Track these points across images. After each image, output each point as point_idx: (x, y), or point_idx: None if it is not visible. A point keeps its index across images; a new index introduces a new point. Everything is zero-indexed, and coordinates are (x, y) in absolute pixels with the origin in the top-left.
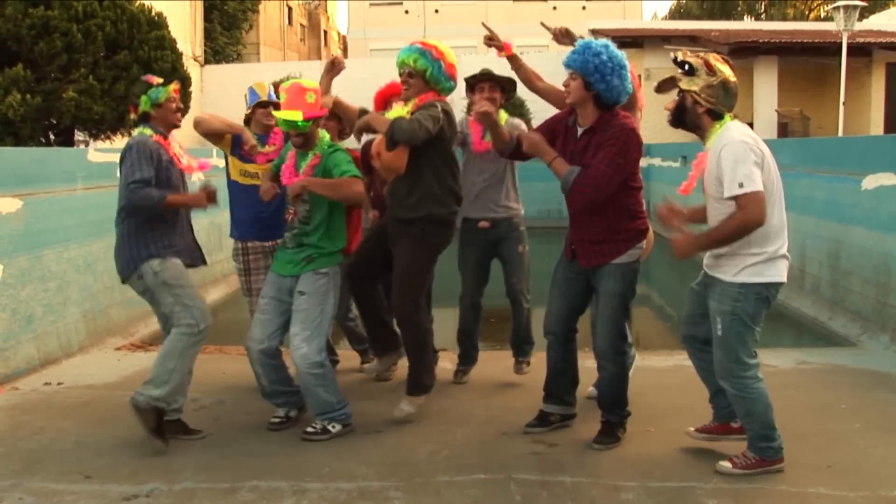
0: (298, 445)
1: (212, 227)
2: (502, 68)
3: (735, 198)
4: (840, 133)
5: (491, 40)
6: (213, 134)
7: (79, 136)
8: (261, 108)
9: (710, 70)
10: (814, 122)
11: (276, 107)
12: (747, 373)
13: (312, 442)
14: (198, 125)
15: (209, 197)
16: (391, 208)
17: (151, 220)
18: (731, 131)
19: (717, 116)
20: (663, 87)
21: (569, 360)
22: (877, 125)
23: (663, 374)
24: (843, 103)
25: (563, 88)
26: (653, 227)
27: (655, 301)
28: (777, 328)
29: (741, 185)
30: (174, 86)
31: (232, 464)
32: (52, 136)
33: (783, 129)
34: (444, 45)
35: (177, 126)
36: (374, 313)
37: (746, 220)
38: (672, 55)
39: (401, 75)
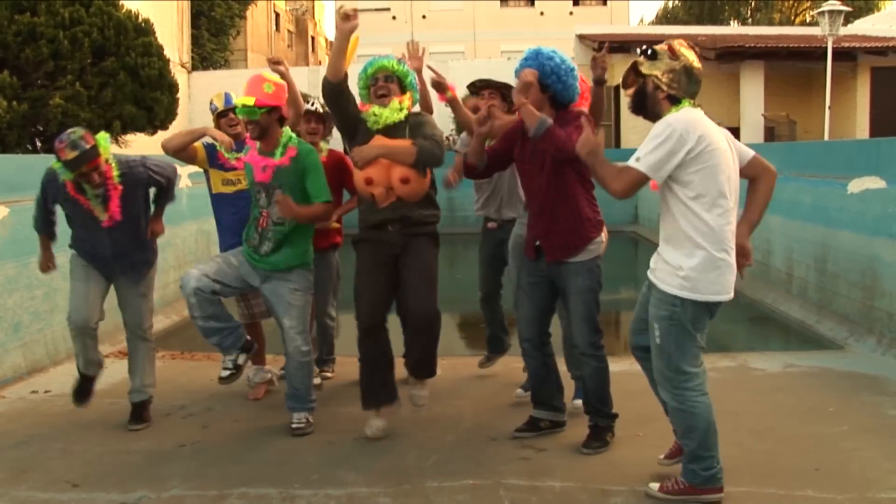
0: (287, 452)
1: (200, 234)
2: (498, 75)
3: (626, 165)
4: (826, 137)
5: (439, 84)
6: (181, 149)
7: None
8: (221, 117)
9: (673, 54)
10: (800, 126)
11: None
12: (690, 384)
13: (301, 449)
14: (165, 150)
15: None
16: (389, 213)
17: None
18: (678, 113)
19: (675, 102)
20: (627, 80)
21: (549, 365)
22: (862, 129)
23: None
24: (829, 107)
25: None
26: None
27: None
28: (765, 332)
29: (637, 160)
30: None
31: (220, 471)
32: (38, 143)
33: (770, 134)
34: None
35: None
36: (383, 366)
37: (610, 185)
38: (641, 48)
39: (375, 82)
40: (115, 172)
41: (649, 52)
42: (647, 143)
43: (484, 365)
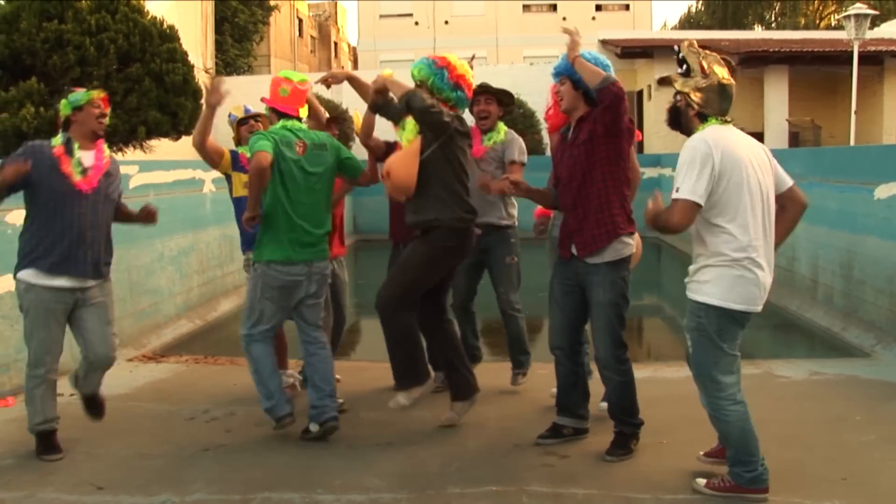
0: (310, 457)
1: (223, 238)
2: (520, 80)
3: (672, 200)
4: (852, 142)
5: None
6: (205, 137)
7: None
8: (242, 125)
9: (704, 73)
10: (825, 131)
11: (257, 118)
12: (721, 393)
13: (325, 454)
14: (196, 146)
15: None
16: (406, 218)
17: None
18: (701, 133)
19: (704, 119)
20: (662, 83)
21: (578, 374)
22: (889, 134)
23: (676, 384)
24: (855, 112)
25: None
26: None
27: (668, 312)
28: (790, 339)
29: (677, 190)
30: (98, 93)
31: (244, 475)
32: None
33: (794, 139)
34: (457, 58)
35: (99, 134)
36: (443, 353)
37: (669, 223)
38: (675, 47)
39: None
40: (106, 151)
41: (684, 67)
42: (680, 172)
43: None
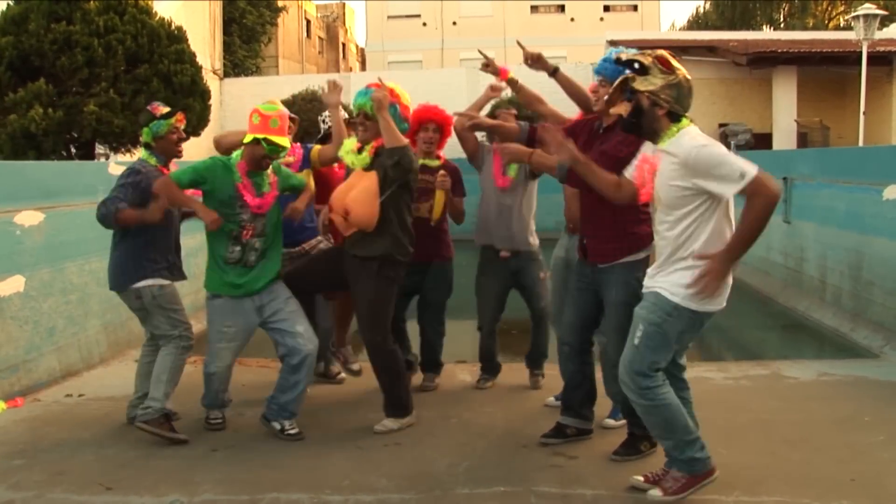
0: (318, 458)
1: None
2: (529, 81)
3: (745, 189)
4: (860, 143)
5: (487, 66)
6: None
7: (99, 149)
8: None
9: (668, 67)
10: (834, 131)
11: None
12: (653, 382)
13: (333, 454)
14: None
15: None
16: (348, 245)
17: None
18: (693, 136)
19: (675, 118)
20: (614, 98)
21: (585, 373)
22: None
23: None
24: (864, 113)
25: (590, 95)
26: None
27: None
28: (798, 340)
29: (742, 176)
30: (177, 118)
31: (252, 476)
32: (73, 150)
33: (803, 140)
34: (399, 87)
35: (178, 156)
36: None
37: (768, 200)
38: (614, 56)
39: (356, 117)
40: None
41: (636, 66)
42: (723, 165)
43: (483, 386)
